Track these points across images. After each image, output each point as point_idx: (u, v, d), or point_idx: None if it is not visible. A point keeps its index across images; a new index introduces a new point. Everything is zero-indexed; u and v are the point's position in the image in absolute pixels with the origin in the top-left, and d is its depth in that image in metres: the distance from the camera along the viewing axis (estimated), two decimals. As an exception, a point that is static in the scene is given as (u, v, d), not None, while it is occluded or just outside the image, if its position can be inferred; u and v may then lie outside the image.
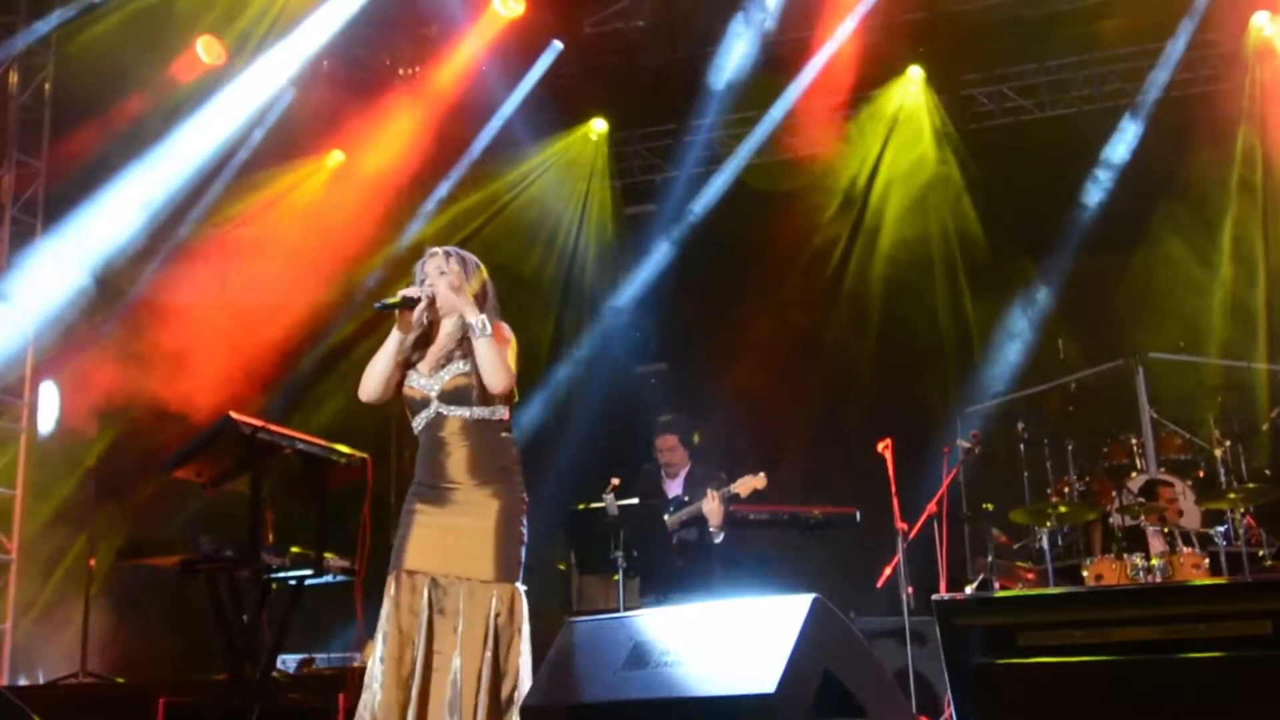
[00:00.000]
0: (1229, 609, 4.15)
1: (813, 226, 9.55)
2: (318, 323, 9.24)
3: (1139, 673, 4.15)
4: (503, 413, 3.85)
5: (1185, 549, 6.48)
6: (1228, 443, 7.12)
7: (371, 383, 3.82)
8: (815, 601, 3.45)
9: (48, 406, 8.32)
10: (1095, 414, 7.70)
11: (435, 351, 3.86)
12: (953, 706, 4.56)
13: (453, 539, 3.72)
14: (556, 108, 9.75)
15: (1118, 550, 6.51)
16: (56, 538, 7.99)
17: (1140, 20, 8.81)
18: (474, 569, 3.69)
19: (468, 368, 3.77)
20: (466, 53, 9.33)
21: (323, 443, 4.63)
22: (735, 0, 9.09)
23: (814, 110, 9.63)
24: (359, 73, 9.55)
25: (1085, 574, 6.58)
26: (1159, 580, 6.24)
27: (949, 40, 9.23)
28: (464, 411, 3.77)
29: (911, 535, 6.24)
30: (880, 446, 6.19)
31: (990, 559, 6.80)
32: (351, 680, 5.21)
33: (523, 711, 3.64)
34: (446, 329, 3.86)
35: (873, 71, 9.38)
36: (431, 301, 3.80)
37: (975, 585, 6.69)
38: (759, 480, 6.07)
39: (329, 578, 4.67)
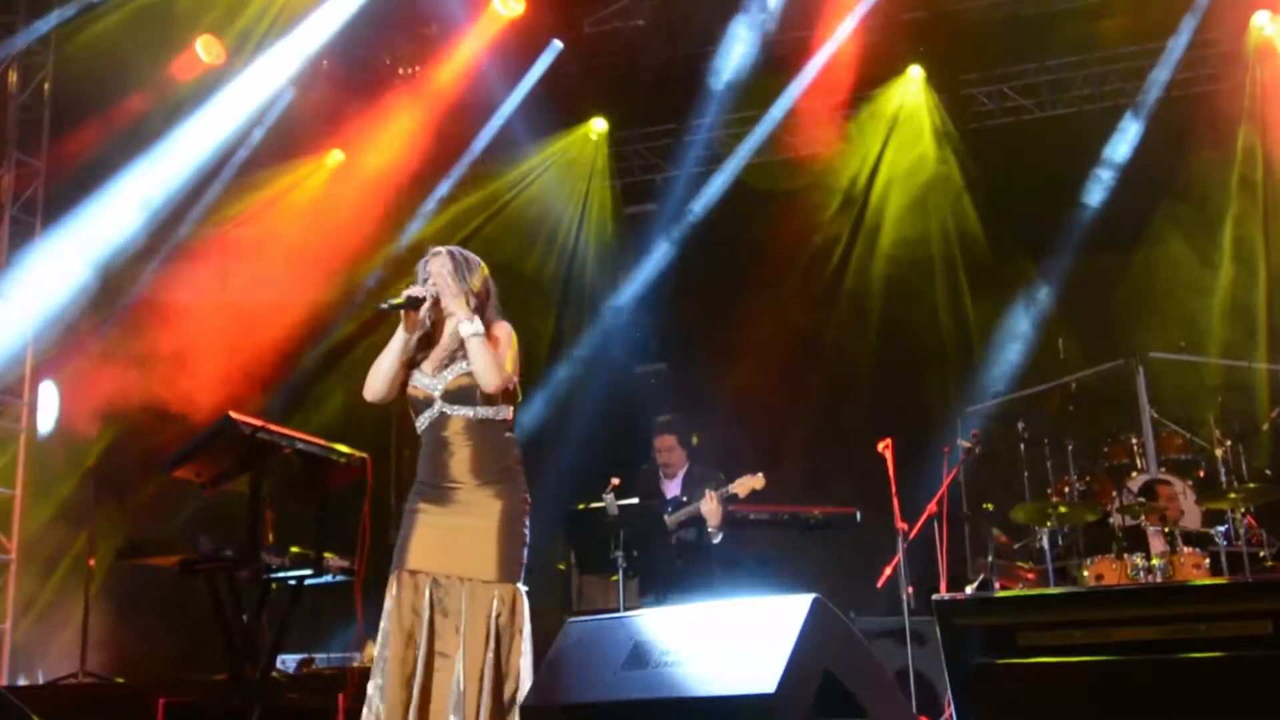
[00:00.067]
0: (1229, 609, 4.15)
1: (813, 226, 9.55)
2: (318, 322, 9.24)
3: (1139, 673, 4.15)
4: (506, 412, 3.85)
5: (1186, 549, 6.47)
6: (1228, 442, 7.12)
7: (376, 382, 3.83)
8: (815, 601, 3.45)
9: (47, 406, 8.32)
10: (1096, 414, 7.69)
11: (439, 351, 3.87)
12: (953, 706, 4.56)
13: (455, 539, 3.72)
14: (556, 107, 9.74)
15: (1118, 550, 6.51)
16: (56, 537, 7.99)
17: (1140, 20, 8.81)
18: (476, 569, 3.69)
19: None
20: (466, 52, 9.32)
21: (322, 442, 4.63)
22: (735, 0, 9.09)
23: (814, 110, 9.62)
24: (359, 72, 9.55)
25: (1085, 574, 6.58)
26: (1159, 580, 6.24)
27: (949, 40, 9.23)
28: (467, 411, 3.78)
29: (912, 535, 6.23)
30: (880, 446, 6.19)
31: (990, 559, 6.79)
32: (351, 680, 5.21)
33: (523, 711, 3.64)
34: (450, 329, 3.85)
35: (873, 71, 9.38)
36: (436, 301, 3.81)
37: (975, 585, 6.69)
38: (757, 480, 6.07)
39: (329, 578, 4.67)
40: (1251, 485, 6.70)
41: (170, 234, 8.82)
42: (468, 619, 3.64)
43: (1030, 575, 7.07)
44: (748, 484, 6.07)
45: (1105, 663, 4.21)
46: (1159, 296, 8.37)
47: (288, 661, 7.39)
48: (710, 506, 6.05)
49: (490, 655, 3.62)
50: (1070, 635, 4.31)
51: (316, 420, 8.32)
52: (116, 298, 8.55)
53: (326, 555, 4.62)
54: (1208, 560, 6.42)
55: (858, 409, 8.69)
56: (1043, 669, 4.31)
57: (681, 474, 6.43)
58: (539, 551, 3.86)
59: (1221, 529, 6.53)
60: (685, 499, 6.22)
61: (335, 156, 9.71)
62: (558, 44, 9.56)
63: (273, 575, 4.60)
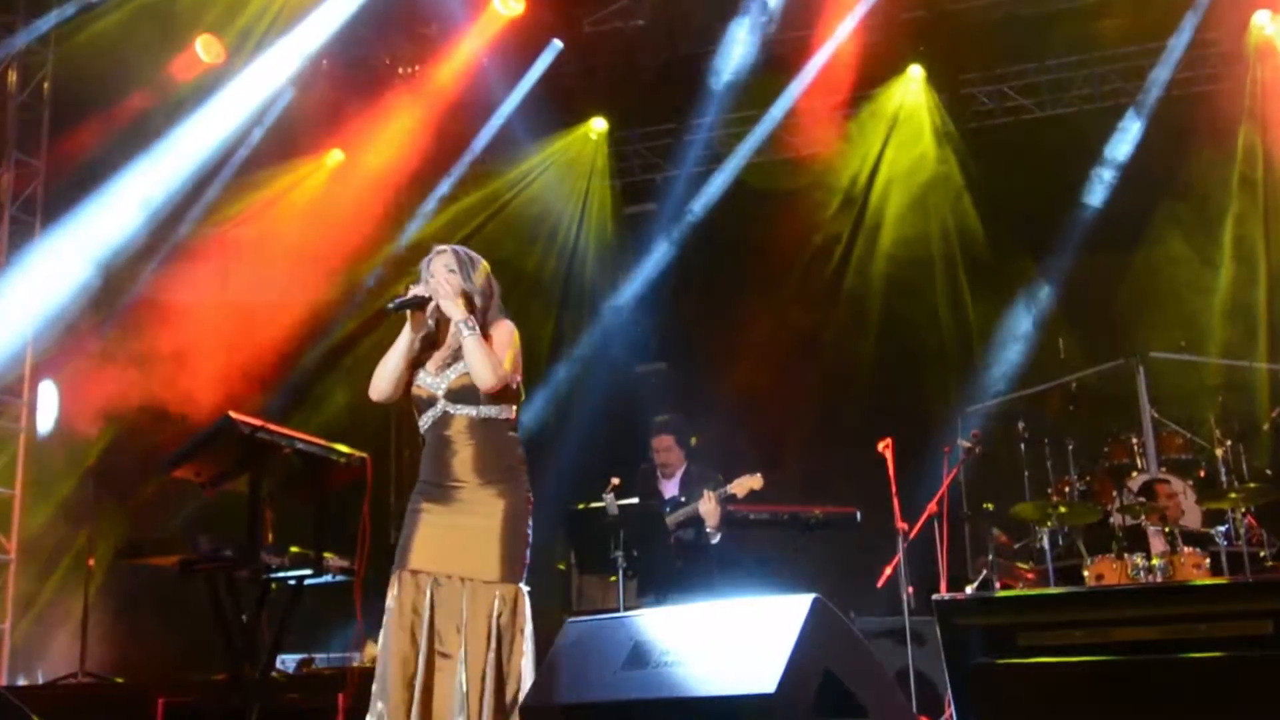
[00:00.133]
0: (1230, 609, 4.15)
1: (813, 226, 9.54)
2: (318, 322, 9.24)
3: (1139, 673, 4.14)
4: (509, 412, 3.85)
5: (1186, 549, 6.46)
6: (1229, 442, 7.11)
7: (382, 382, 3.83)
8: (815, 601, 3.44)
9: (47, 406, 8.32)
10: (1096, 413, 7.68)
11: (442, 350, 3.87)
12: (953, 706, 4.55)
13: (457, 538, 3.71)
14: (556, 107, 9.74)
15: (1118, 550, 6.51)
16: (55, 537, 7.98)
17: (1140, 19, 8.81)
18: (478, 569, 3.68)
19: None
20: (466, 52, 9.32)
21: (322, 442, 4.62)
22: (735, 0, 9.08)
23: (814, 109, 9.62)
24: (359, 72, 9.54)
25: (1086, 574, 6.57)
26: (1160, 580, 6.23)
27: (949, 39, 9.23)
28: (471, 410, 3.78)
29: (912, 535, 6.22)
30: (880, 446, 6.18)
31: (990, 559, 6.79)
32: (351, 680, 5.20)
33: (522, 711, 3.63)
34: (454, 328, 3.85)
35: (873, 70, 9.37)
36: None
37: (976, 585, 6.68)
38: (755, 480, 6.06)
39: (328, 577, 4.67)
40: (1252, 485, 6.70)
41: (170, 233, 8.82)
42: (469, 619, 3.64)
43: (1030, 575, 7.06)
44: (746, 484, 6.06)
45: (1105, 663, 4.21)
46: (1159, 296, 8.37)
47: (287, 661, 7.39)
48: (708, 507, 6.05)
49: (492, 655, 3.62)
50: (1070, 635, 4.31)
51: (316, 420, 8.32)
52: (116, 297, 8.55)
53: (326, 555, 4.62)
54: (1208, 560, 6.41)
55: (858, 409, 8.68)
56: (1043, 669, 4.30)
57: (679, 474, 6.43)
58: (539, 551, 3.85)
59: (1222, 529, 6.52)
60: (683, 499, 6.22)
61: (335, 156, 9.70)
62: (558, 43, 9.55)
63: (272, 575, 4.60)
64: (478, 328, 3.76)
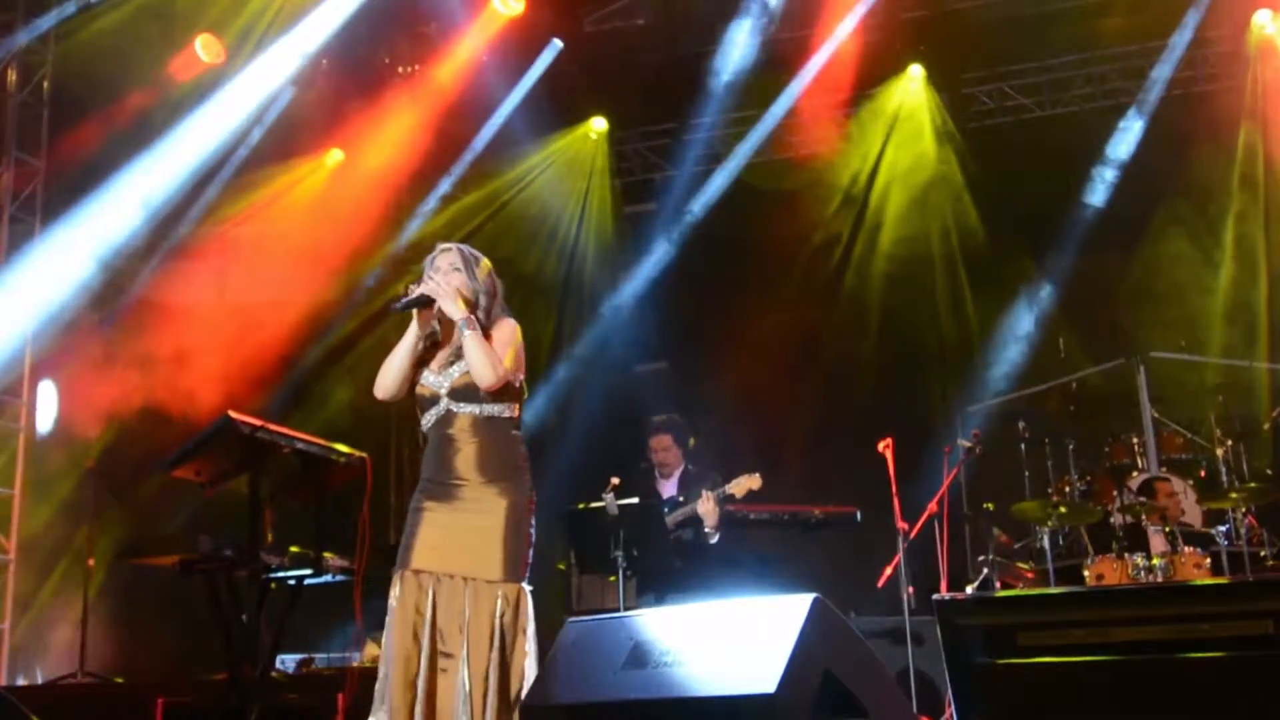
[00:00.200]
0: (1230, 609, 4.15)
1: (813, 225, 9.54)
2: (318, 321, 9.23)
3: (1140, 673, 4.14)
4: (513, 410, 3.85)
5: (1187, 549, 6.46)
6: (1229, 442, 7.12)
7: (387, 380, 3.83)
8: (815, 601, 3.43)
9: (46, 405, 8.31)
10: (1096, 413, 7.68)
11: (446, 349, 3.88)
12: (953, 706, 4.55)
13: (460, 538, 3.71)
14: (556, 106, 9.73)
15: (1119, 550, 6.50)
16: (55, 537, 7.97)
17: (1141, 18, 8.80)
18: (480, 568, 3.68)
19: None
20: (466, 51, 9.30)
21: (322, 442, 4.62)
22: (735, -1, 9.09)
23: (814, 108, 9.61)
24: (358, 71, 9.53)
25: (1086, 574, 6.57)
26: (1160, 580, 6.23)
27: (949, 38, 9.22)
28: (474, 408, 3.78)
29: (912, 535, 6.21)
30: (881, 446, 6.17)
31: (991, 558, 6.78)
32: (351, 680, 5.19)
33: (523, 711, 3.63)
34: (457, 326, 3.86)
35: (873, 70, 9.36)
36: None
37: (976, 585, 6.68)
38: (754, 480, 6.05)
39: (328, 577, 4.66)
40: (1252, 485, 6.70)
41: (170, 233, 8.81)
42: (472, 618, 3.64)
43: (1031, 575, 7.06)
44: (744, 484, 6.05)
45: (1106, 663, 4.21)
46: (1160, 296, 8.37)
47: (287, 661, 7.39)
48: (707, 507, 6.04)
49: (495, 655, 3.62)
50: (1071, 635, 4.31)
51: (316, 420, 8.31)
52: (116, 297, 8.54)
53: (326, 555, 4.62)
54: (1209, 560, 6.41)
55: (858, 409, 8.67)
56: (1043, 669, 4.30)
57: (677, 474, 6.42)
58: (538, 551, 3.85)
59: (1222, 529, 6.52)
60: (681, 499, 6.21)
61: (335, 155, 9.69)
62: (557, 43, 9.55)
63: (272, 575, 4.59)
64: (478, 326, 3.76)
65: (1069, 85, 9.44)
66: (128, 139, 8.21)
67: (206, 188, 8.88)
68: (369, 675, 3.95)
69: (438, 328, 3.90)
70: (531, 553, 3.79)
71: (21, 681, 7.72)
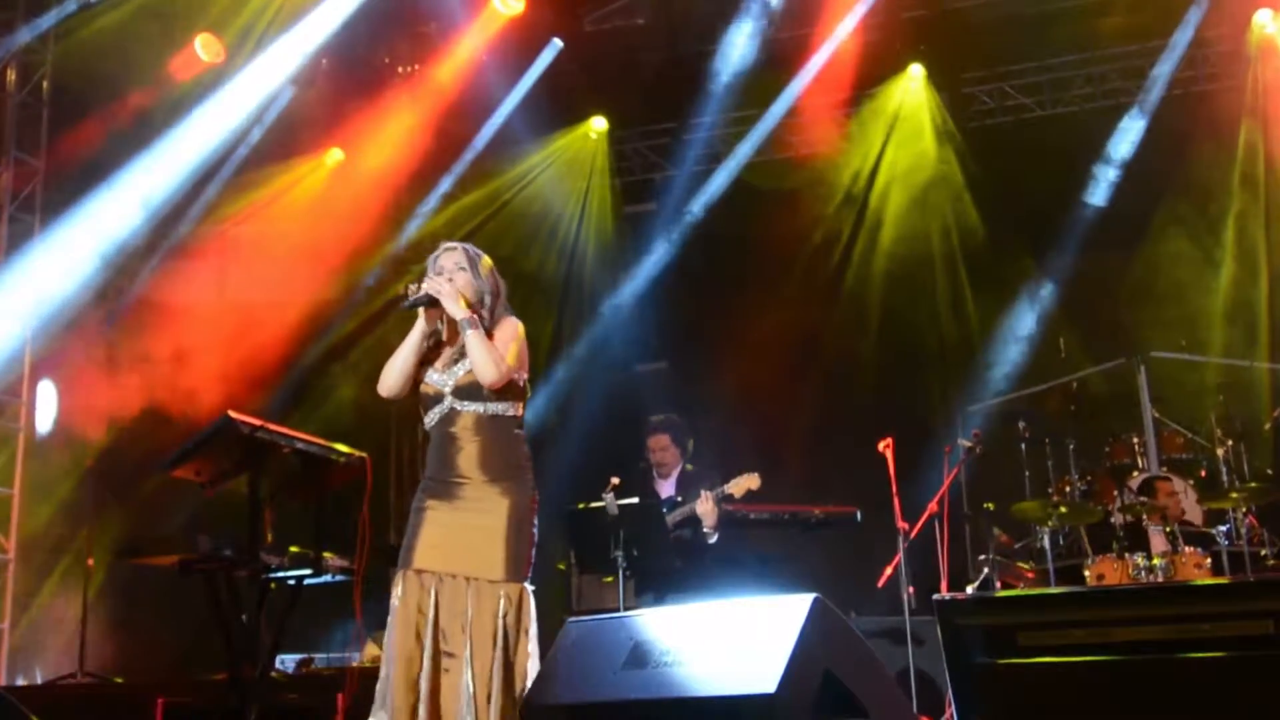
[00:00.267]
0: (1231, 609, 4.13)
1: (813, 225, 9.53)
2: (318, 321, 9.23)
3: (1140, 673, 4.13)
4: (517, 409, 3.85)
5: (1187, 548, 6.46)
6: (1230, 442, 7.11)
7: (391, 378, 3.84)
8: (816, 601, 3.43)
9: (46, 405, 8.30)
10: (1097, 413, 7.68)
11: (450, 347, 3.88)
12: (954, 706, 4.54)
13: (462, 537, 3.71)
14: (556, 106, 9.72)
15: (1119, 550, 6.50)
16: (55, 537, 7.97)
17: (1141, 18, 8.80)
18: (483, 568, 3.68)
19: None
20: (466, 51, 9.30)
21: (322, 442, 4.61)
22: (736, -2, 9.08)
23: (814, 108, 9.60)
24: (358, 71, 9.52)
25: (1087, 574, 6.57)
26: (1161, 580, 6.23)
27: (950, 38, 9.21)
28: (478, 406, 3.78)
29: (913, 535, 6.21)
30: (881, 445, 6.17)
31: (991, 558, 6.78)
32: (350, 680, 5.19)
33: (523, 711, 3.63)
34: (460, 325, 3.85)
35: (873, 69, 9.36)
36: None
37: (976, 585, 6.68)
38: (752, 480, 6.05)
39: (328, 577, 4.66)
40: (1253, 485, 6.70)
41: (170, 232, 8.81)
42: (474, 618, 3.64)
43: (1031, 575, 7.06)
44: (743, 484, 6.04)
45: (1106, 663, 4.20)
46: (1160, 295, 8.36)
47: (287, 661, 7.39)
48: (706, 507, 6.04)
49: (498, 655, 3.62)
50: (1071, 635, 4.30)
51: (316, 419, 8.30)
52: (116, 296, 8.54)
53: (326, 555, 4.60)
54: (1209, 560, 6.41)
55: (858, 408, 8.67)
56: (1044, 669, 4.29)
57: (675, 474, 6.42)
58: (539, 551, 3.85)
59: (1223, 528, 6.52)
60: (679, 499, 6.21)
61: (335, 155, 9.69)
62: (557, 42, 9.54)
63: (272, 575, 4.58)
64: (480, 326, 3.76)
65: (1069, 85, 9.43)
66: (127, 138, 8.21)
67: (206, 187, 8.88)
68: (369, 675, 3.94)
69: (441, 327, 3.90)
70: (534, 552, 3.79)
71: (21, 681, 7.72)
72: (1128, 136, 8.98)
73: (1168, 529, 6.64)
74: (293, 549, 4.58)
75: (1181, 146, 8.56)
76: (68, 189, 8.27)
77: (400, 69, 9.68)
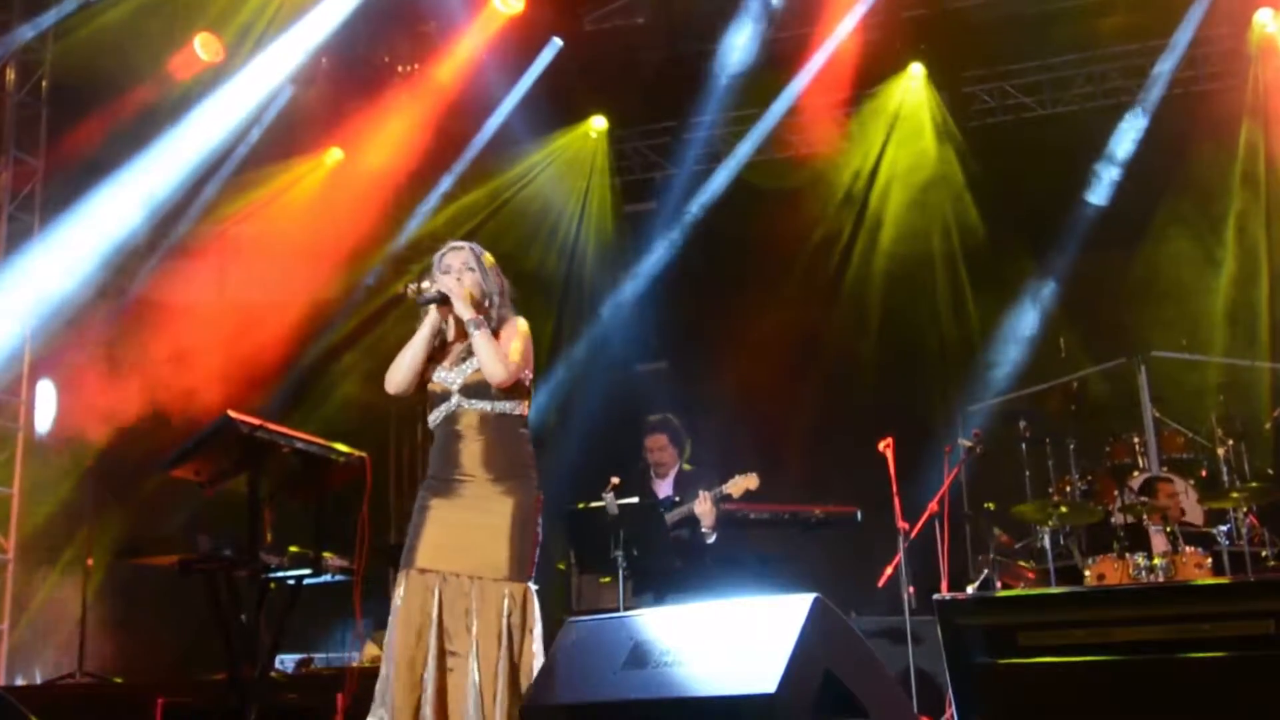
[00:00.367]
0: (1232, 609, 4.13)
1: (813, 224, 9.53)
2: (317, 320, 9.22)
3: (1141, 673, 4.12)
4: (522, 407, 3.86)
5: (1188, 548, 6.46)
6: (1230, 442, 7.11)
7: (399, 375, 3.83)
8: (816, 601, 3.42)
9: (45, 405, 8.30)
10: (1097, 413, 7.68)
11: (458, 346, 3.88)
12: (954, 706, 4.54)
13: (466, 537, 3.70)
14: (556, 105, 9.72)
15: (1120, 550, 6.50)
16: (54, 537, 7.96)
17: (1141, 17, 8.80)
18: (487, 567, 3.68)
19: None
20: (466, 50, 9.29)
21: (321, 441, 4.61)
22: (735, -3, 9.07)
23: (815, 107, 9.60)
24: (358, 70, 9.51)
25: (1087, 574, 6.56)
26: (1161, 580, 6.22)
27: (950, 37, 9.21)
28: (485, 405, 3.79)
29: (913, 534, 6.20)
30: (881, 445, 6.16)
31: (992, 558, 6.78)
32: (350, 680, 5.18)
33: (523, 711, 3.62)
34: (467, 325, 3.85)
35: (874, 68, 9.35)
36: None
37: (977, 585, 6.67)
38: (751, 480, 6.04)
39: (327, 577, 4.65)
40: (1254, 484, 6.70)
41: (169, 232, 8.80)
42: (479, 618, 3.63)
43: (1032, 575, 7.05)
44: (741, 484, 6.04)
45: (1107, 663, 4.19)
46: (1161, 295, 8.36)
47: (286, 661, 7.38)
48: (704, 508, 6.04)
49: (503, 654, 3.61)
50: (1072, 635, 4.29)
51: (316, 419, 8.30)
52: (115, 296, 8.53)
53: (325, 555, 4.60)
54: (1210, 560, 6.41)
55: (858, 407, 8.67)
56: (1044, 669, 4.29)
57: (673, 474, 6.41)
58: (539, 551, 3.84)
59: (1224, 528, 6.52)
60: (677, 499, 6.20)
61: (334, 154, 9.68)
62: (557, 41, 9.53)
63: (271, 575, 4.58)
64: (487, 326, 3.76)
65: (1070, 84, 9.42)
66: (127, 137, 8.20)
67: (206, 186, 8.87)
68: (369, 675, 3.93)
69: (446, 326, 3.89)
70: (538, 552, 3.78)
71: (20, 681, 7.72)
72: (1128, 136, 8.98)
73: (1168, 529, 6.64)
74: (292, 549, 4.57)
75: (1182, 146, 8.56)
76: (67, 188, 8.26)
77: (400, 68, 9.67)
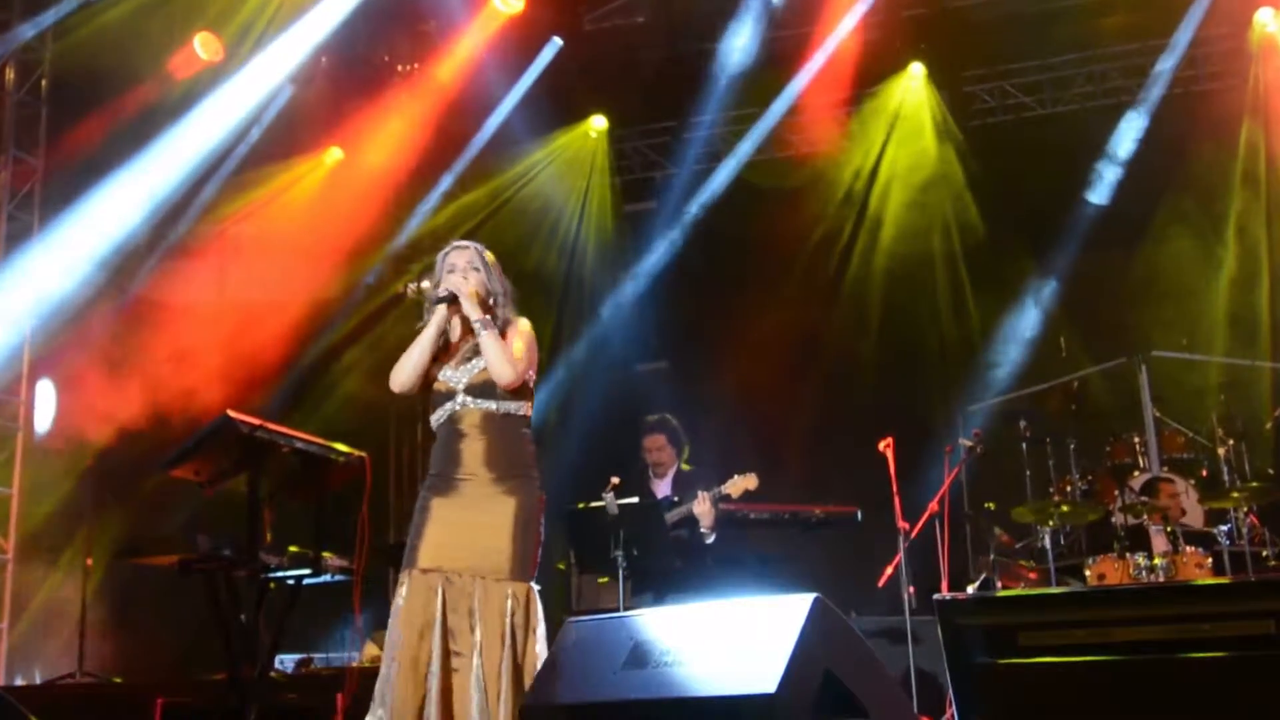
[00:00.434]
0: (1232, 609, 4.13)
1: (813, 223, 9.52)
2: (317, 320, 9.22)
3: (1141, 673, 4.13)
4: (527, 408, 3.87)
5: (1188, 548, 6.46)
6: (1231, 441, 7.11)
7: (404, 374, 3.83)
8: (816, 601, 3.42)
9: (45, 404, 8.30)
10: (1098, 413, 7.68)
11: (464, 346, 3.88)
12: (954, 706, 4.54)
13: (468, 536, 3.70)
14: (556, 104, 9.71)
15: (1120, 550, 6.49)
16: (54, 537, 7.96)
17: (1142, 16, 8.80)
18: (489, 567, 3.68)
19: None
20: (466, 49, 9.29)
21: (321, 441, 4.61)
22: (735, -4, 9.07)
23: (815, 107, 9.59)
24: (358, 69, 9.51)
25: (1088, 573, 6.56)
26: (1162, 580, 6.22)
27: (950, 37, 9.21)
28: (490, 404, 3.79)
29: (913, 534, 6.20)
30: (881, 445, 6.16)
31: (992, 558, 6.78)
32: (350, 680, 5.18)
33: (522, 711, 3.62)
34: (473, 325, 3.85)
35: (874, 68, 9.35)
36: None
37: (977, 585, 6.67)
38: (750, 480, 6.04)
39: (327, 577, 4.65)
40: (1254, 484, 6.69)
41: (169, 231, 8.80)
42: (482, 617, 3.63)
43: (1032, 575, 7.05)
44: (740, 485, 6.04)
45: (1107, 663, 4.19)
46: (1161, 294, 8.35)
47: (286, 661, 7.38)
48: (703, 508, 6.03)
49: (507, 654, 3.61)
50: (1072, 635, 4.29)
51: (316, 419, 8.29)
52: (115, 296, 8.52)
53: (325, 555, 4.60)
54: (1210, 560, 6.40)
55: (859, 407, 8.66)
56: (1044, 669, 4.29)
57: (671, 473, 6.41)
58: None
59: (1224, 528, 6.52)
60: (675, 499, 6.20)
61: (334, 154, 9.68)
62: (557, 41, 9.53)
63: (271, 575, 4.57)
64: (493, 326, 3.76)
65: (1070, 83, 9.42)
66: (126, 137, 8.20)
67: (206, 186, 8.86)
68: (368, 675, 3.93)
69: (450, 325, 3.89)
70: (540, 551, 3.78)
71: (20, 681, 7.71)
72: (1128, 135, 8.97)
73: (1169, 529, 6.63)
74: (292, 549, 4.57)
75: (1182, 145, 8.56)
76: (67, 188, 8.26)
77: (400, 67, 9.67)
